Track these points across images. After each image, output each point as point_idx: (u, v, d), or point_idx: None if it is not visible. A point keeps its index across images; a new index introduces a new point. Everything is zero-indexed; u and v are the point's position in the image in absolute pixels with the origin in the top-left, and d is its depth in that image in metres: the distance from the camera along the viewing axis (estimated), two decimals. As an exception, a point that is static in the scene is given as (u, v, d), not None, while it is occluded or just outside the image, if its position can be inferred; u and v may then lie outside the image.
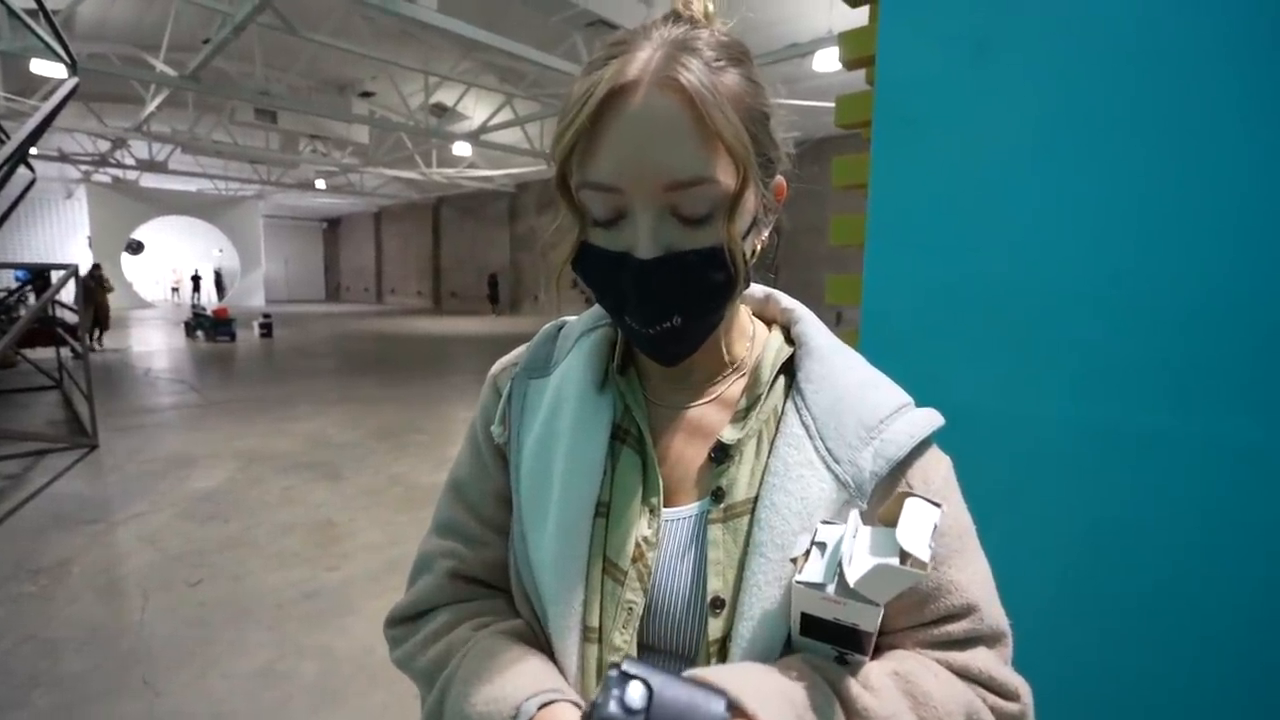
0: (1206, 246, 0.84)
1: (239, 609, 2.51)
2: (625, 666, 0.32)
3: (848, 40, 1.23)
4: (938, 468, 0.49)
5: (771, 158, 0.47)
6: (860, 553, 0.39)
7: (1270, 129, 0.79)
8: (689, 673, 0.39)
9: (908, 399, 0.51)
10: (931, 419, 0.49)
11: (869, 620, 0.40)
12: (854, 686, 0.42)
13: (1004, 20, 0.97)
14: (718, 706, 0.32)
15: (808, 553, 0.42)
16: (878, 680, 0.43)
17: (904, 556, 0.37)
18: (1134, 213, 0.88)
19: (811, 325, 0.54)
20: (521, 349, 0.59)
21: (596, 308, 0.57)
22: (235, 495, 3.75)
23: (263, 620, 2.43)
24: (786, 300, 0.57)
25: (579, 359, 0.54)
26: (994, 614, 0.48)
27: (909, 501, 0.40)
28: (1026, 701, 0.46)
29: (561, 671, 0.48)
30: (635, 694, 0.30)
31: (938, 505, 0.40)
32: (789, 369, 0.53)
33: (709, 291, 0.45)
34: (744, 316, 0.56)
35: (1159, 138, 0.86)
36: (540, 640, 0.50)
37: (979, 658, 0.46)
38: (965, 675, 0.45)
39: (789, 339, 0.55)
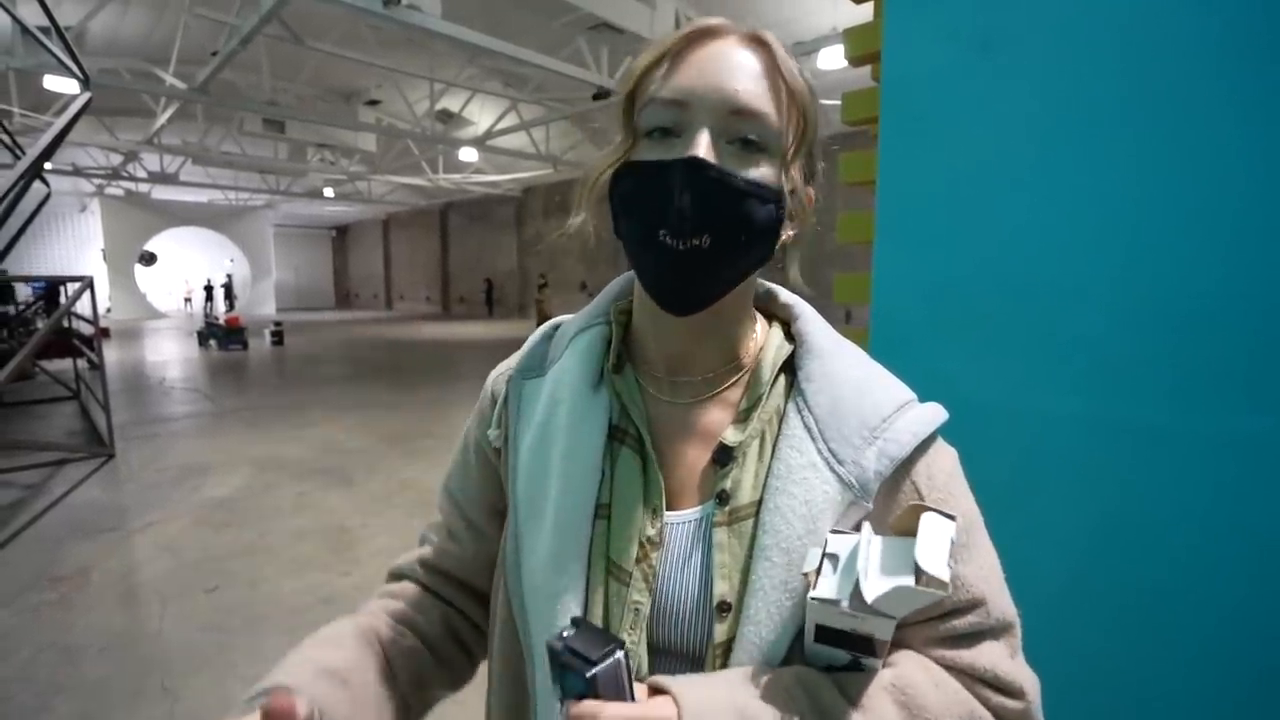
0: (1215, 241, 0.83)
1: (255, 615, 2.53)
2: (573, 618, 0.42)
3: (852, 36, 1.23)
4: (942, 462, 0.49)
5: (815, 158, 0.50)
6: (875, 568, 0.39)
7: (1277, 123, 0.78)
8: (650, 679, 0.43)
9: (910, 395, 0.50)
10: (935, 415, 0.49)
11: (884, 630, 0.41)
12: (844, 706, 0.41)
13: (1010, 11, 0.96)
14: (611, 653, 0.39)
15: (820, 566, 0.41)
16: (871, 698, 0.42)
17: (919, 574, 0.37)
18: (1141, 208, 0.87)
19: (812, 322, 0.53)
20: (518, 353, 0.59)
21: (591, 306, 0.57)
22: (250, 502, 3.79)
23: (279, 625, 2.45)
24: (786, 295, 0.56)
25: (573, 358, 0.53)
26: (1001, 605, 0.47)
27: (925, 517, 0.40)
28: (1032, 698, 0.45)
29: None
30: (567, 630, 0.41)
31: (952, 518, 0.40)
32: (789, 367, 0.52)
33: (747, 221, 0.44)
34: (750, 311, 0.54)
35: (1167, 133, 0.85)
36: (509, 645, 0.52)
37: (985, 654, 0.45)
38: (971, 673, 0.45)
39: (789, 336, 0.54)
